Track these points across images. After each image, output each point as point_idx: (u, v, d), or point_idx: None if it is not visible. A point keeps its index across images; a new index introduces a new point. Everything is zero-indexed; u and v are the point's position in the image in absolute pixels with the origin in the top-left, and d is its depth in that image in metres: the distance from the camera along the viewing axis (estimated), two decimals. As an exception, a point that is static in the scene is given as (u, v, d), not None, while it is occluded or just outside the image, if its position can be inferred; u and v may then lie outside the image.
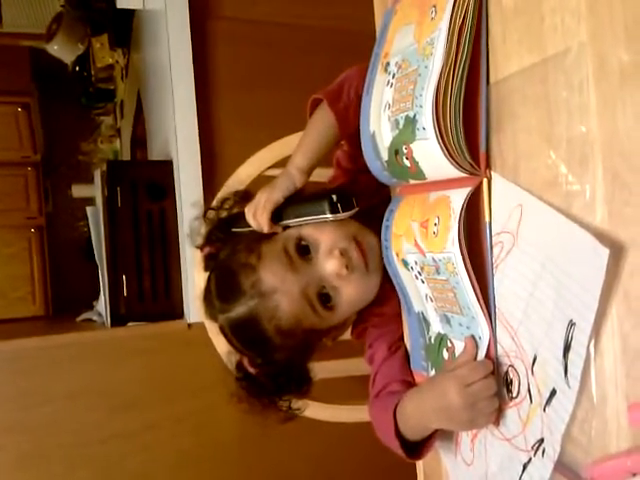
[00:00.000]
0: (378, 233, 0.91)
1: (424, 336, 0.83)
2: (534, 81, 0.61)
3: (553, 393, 0.59)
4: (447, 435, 0.82)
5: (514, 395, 0.66)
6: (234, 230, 1.03)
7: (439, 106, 0.65)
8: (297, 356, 1.01)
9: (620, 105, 0.51)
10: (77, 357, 1.73)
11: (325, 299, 0.93)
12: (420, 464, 0.94)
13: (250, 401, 1.00)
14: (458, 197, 0.68)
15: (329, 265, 0.92)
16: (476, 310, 0.68)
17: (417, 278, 0.79)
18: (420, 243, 0.74)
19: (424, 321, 0.82)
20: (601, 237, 0.52)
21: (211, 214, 1.08)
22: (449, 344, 0.76)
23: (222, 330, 0.98)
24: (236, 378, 1.02)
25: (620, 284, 0.52)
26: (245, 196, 1.05)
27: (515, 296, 0.65)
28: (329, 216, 0.92)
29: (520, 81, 0.63)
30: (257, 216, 0.95)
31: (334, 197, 0.92)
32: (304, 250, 0.94)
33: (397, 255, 0.82)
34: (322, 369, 1.34)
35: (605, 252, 0.51)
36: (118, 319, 1.76)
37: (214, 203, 1.10)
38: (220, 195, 1.12)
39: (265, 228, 0.95)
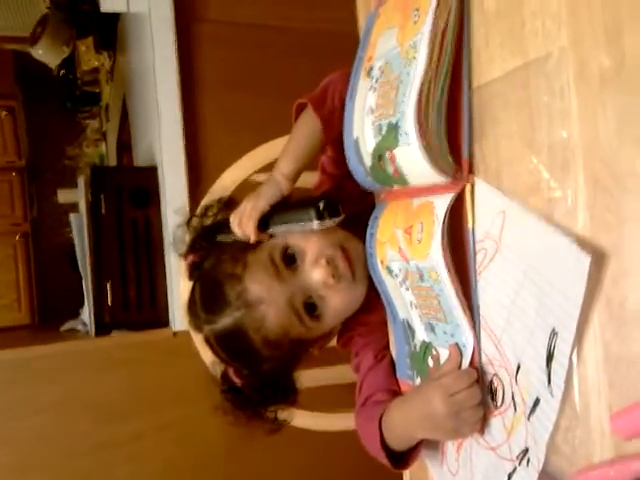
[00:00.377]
0: (364, 240, 0.90)
1: (409, 344, 0.82)
2: (516, 86, 0.61)
3: (537, 402, 0.59)
4: (433, 445, 0.81)
5: (498, 404, 0.65)
6: (218, 239, 1.01)
7: (421, 112, 0.64)
8: (284, 366, 1.00)
9: (601, 110, 0.51)
10: (61, 368, 1.71)
11: (312, 309, 0.92)
12: (407, 474, 0.93)
13: (235, 413, 0.99)
14: (441, 203, 0.68)
15: (316, 274, 0.91)
16: (460, 318, 0.68)
17: (401, 285, 0.78)
18: (404, 250, 0.74)
19: (409, 329, 0.81)
20: (583, 243, 0.52)
21: (195, 221, 1.06)
22: (434, 352, 0.76)
23: (207, 341, 0.96)
24: (221, 390, 1.00)
25: (602, 291, 0.52)
26: (229, 203, 1.04)
27: (498, 304, 0.64)
28: (315, 224, 0.90)
29: (502, 86, 0.63)
30: (242, 225, 0.93)
31: (321, 205, 0.91)
32: (290, 259, 0.93)
33: (382, 262, 0.82)
34: (308, 377, 1.33)
35: (587, 259, 0.50)
36: (102, 328, 1.75)
37: (198, 211, 1.08)
38: (204, 202, 1.10)
39: (251, 237, 0.93)
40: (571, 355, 0.54)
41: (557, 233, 0.54)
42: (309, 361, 1.06)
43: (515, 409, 0.62)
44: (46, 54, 3.06)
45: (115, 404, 1.73)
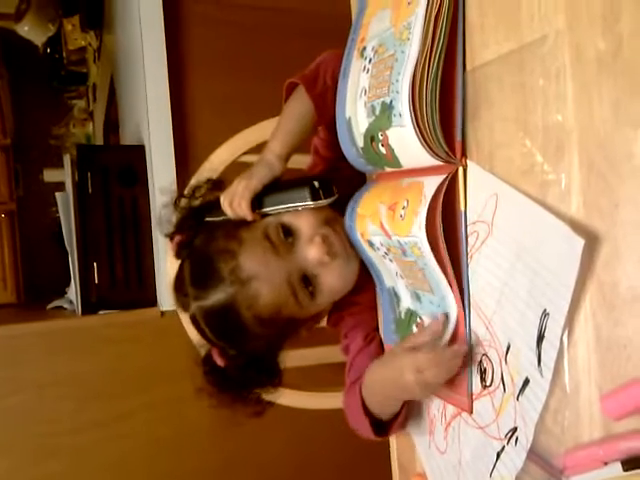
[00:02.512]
0: None
1: (395, 311, 0.83)
2: (511, 69, 0.61)
3: (526, 382, 0.59)
4: (420, 424, 0.82)
5: (488, 384, 0.66)
6: (207, 219, 1.00)
7: (415, 92, 0.64)
8: (271, 346, 1.00)
9: (596, 94, 0.51)
10: (48, 346, 1.70)
11: (306, 286, 0.92)
12: (394, 452, 0.94)
13: (218, 396, 0.98)
14: (432, 183, 0.68)
15: (311, 252, 0.91)
16: (446, 291, 0.68)
17: (385, 257, 0.79)
18: (386, 225, 0.74)
19: (395, 296, 0.82)
20: (576, 227, 0.52)
21: (182, 202, 1.05)
22: (418, 320, 0.76)
23: (194, 320, 0.96)
24: (203, 372, 1.00)
25: (594, 274, 0.52)
26: (218, 184, 1.04)
27: (489, 285, 0.64)
28: (310, 203, 0.91)
29: (497, 68, 0.63)
30: (234, 205, 0.93)
31: (316, 184, 0.91)
32: (285, 237, 0.93)
33: (362, 236, 0.82)
34: (298, 357, 1.34)
35: (580, 242, 0.51)
36: (89, 307, 1.74)
37: (186, 191, 1.07)
38: (192, 183, 1.09)
39: (246, 216, 0.93)
40: (562, 336, 0.54)
41: (550, 216, 0.54)
42: (300, 341, 1.06)
43: (504, 389, 0.62)
44: (31, 31, 3.02)
45: (102, 383, 1.72)
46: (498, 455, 0.64)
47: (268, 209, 0.94)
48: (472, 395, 0.69)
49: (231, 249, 0.91)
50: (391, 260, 0.77)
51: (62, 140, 3.50)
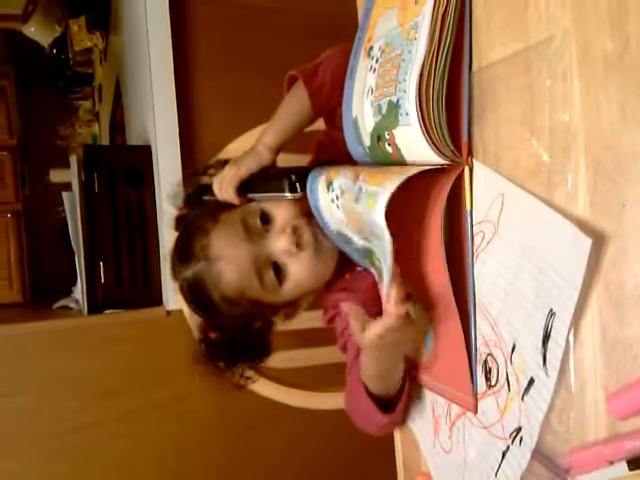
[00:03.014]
0: None
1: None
2: (517, 69, 0.61)
3: (531, 382, 0.59)
4: (425, 423, 0.82)
5: (493, 383, 0.66)
6: (204, 198, 1.05)
7: (422, 91, 0.64)
8: (247, 326, 1.03)
9: (603, 94, 0.51)
10: (54, 345, 1.71)
11: (276, 273, 0.95)
12: (399, 452, 0.94)
13: (207, 364, 1.03)
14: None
15: (279, 241, 0.94)
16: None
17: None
18: (360, 175, 0.74)
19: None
20: (583, 227, 0.52)
21: (192, 180, 1.11)
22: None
23: (181, 290, 1.01)
24: (199, 340, 1.05)
25: (601, 274, 0.52)
26: (223, 165, 1.07)
27: (495, 285, 0.64)
28: (287, 194, 0.94)
29: (503, 69, 0.63)
30: (222, 189, 0.97)
31: (293, 177, 0.94)
32: (262, 224, 0.96)
33: (325, 178, 0.83)
34: (302, 357, 1.35)
35: (587, 242, 0.51)
36: (95, 306, 1.74)
37: (199, 169, 1.12)
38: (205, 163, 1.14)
39: (232, 200, 0.97)
40: (568, 336, 0.54)
41: (557, 215, 0.54)
42: (303, 341, 1.07)
43: (509, 389, 0.62)
44: (38, 32, 3.04)
45: (107, 382, 1.73)
46: (503, 455, 0.64)
47: (252, 196, 0.98)
48: (477, 395, 0.69)
49: (206, 228, 0.96)
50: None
51: (68, 141, 3.52)
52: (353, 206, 0.73)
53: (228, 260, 0.92)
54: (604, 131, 0.51)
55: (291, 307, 1.03)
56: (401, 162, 0.73)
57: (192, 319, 1.07)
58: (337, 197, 0.78)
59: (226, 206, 0.98)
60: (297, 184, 0.93)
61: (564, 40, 0.55)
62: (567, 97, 0.55)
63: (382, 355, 0.78)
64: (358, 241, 0.79)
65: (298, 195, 0.93)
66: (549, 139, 0.57)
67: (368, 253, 0.77)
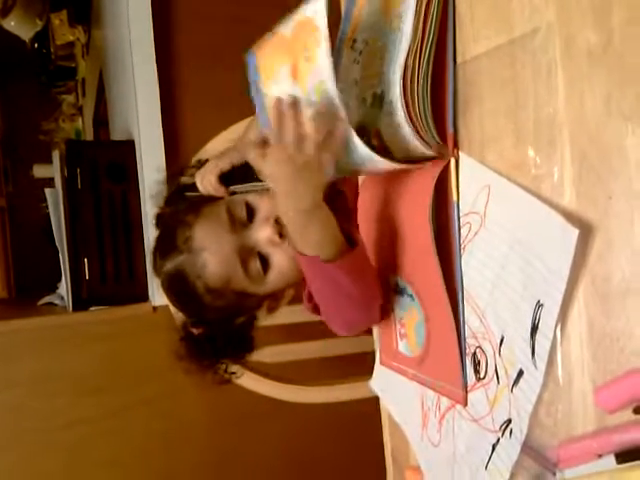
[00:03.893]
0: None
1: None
2: (501, 62, 0.61)
3: (520, 374, 0.59)
4: (413, 417, 0.82)
5: (482, 376, 0.66)
6: (187, 195, 1.05)
7: (407, 82, 0.64)
8: (230, 319, 1.04)
9: (588, 87, 0.51)
10: (38, 342, 1.70)
11: (261, 263, 0.95)
12: (388, 446, 0.95)
13: (189, 361, 1.04)
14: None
15: (263, 231, 0.95)
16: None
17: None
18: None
19: None
20: (569, 219, 0.52)
21: (173, 179, 1.12)
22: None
23: (162, 285, 1.02)
24: (179, 338, 1.06)
25: (587, 267, 0.52)
26: (203, 164, 1.08)
27: (482, 277, 0.65)
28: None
29: (487, 62, 0.63)
30: (204, 180, 0.97)
31: None
32: (247, 215, 0.97)
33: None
34: (292, 351, 1.35)
35: (574, 232, 0.51)
36: (80, 303, 1.73)
37: (177, 170, 1.13)
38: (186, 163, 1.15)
39: (213, 191, 0.96)
40: (556, 327, 0.54)
41: (544, 206, 0.54)
42: (294, 335, 1.07)
43: (498, 381, 0.63)
44: (18, 26, 3.00)
45: (94, 379, 1.72)
46: (493, 447, 0.64)
47: (235, 187, 0.98)
48: (467, 387, 0.69)
49: (188, 220, 0.97)
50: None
51: (51, 135, 3.48)
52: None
53: (212, 251, 0.93)
54: (589, 124, 0.51)
55: (274, 299, 1.05)
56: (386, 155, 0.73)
57: (178, 315, 1.08)
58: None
59: (209, 200, 0.99)
60: None
61: (548, 33, 0.55)
62: (551, 90, 0.55)
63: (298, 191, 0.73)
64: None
65: None
66: (534, 132, 0.57)
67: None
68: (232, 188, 0.98)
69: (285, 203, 0.74)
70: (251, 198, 0.97)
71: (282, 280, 0.99)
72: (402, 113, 0.64)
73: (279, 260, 0.96)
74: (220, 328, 1.04)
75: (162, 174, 1.14)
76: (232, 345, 1.06)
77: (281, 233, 0.93)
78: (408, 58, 0.64)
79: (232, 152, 0.99)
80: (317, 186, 0.73)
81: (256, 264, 0.95)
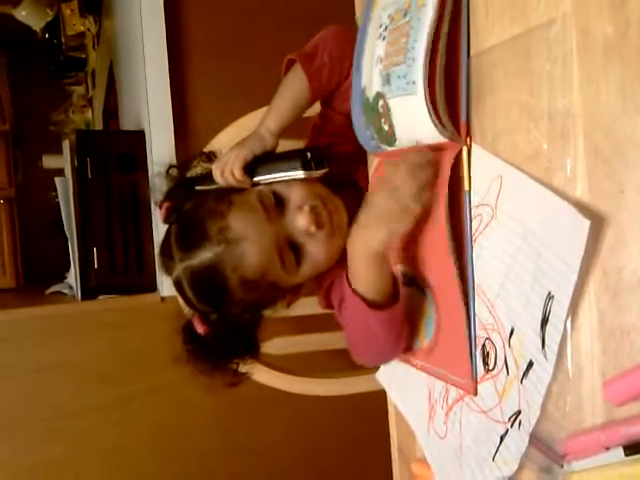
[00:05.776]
0: (346, 199, 0.96)
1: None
2: (516, 53, 0.60)
3: (530, 365, 0.59)
4: (419, 410, 0.82)
5: (491, 367, 0.66)
6: (198, 188, 1.03)
7: (430, 62, 0.63)
8: (252, 313, 1.01)
9: (603, 79, 0.51)
10: (47, 330, 1.70)
11: (293, 253, 0.94)
12: (394, 439, 0.95)
13: (195, 364, 1.00)
14: None
15: (299, 220, 0.93)
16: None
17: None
18: None
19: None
20: (581, 211, 0.52)
21: (173, 171, 1.09)
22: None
23: (178, 284, 0.96)
24: (183, 341, 1.02)
25: (598, 260, 0.52)
26: (210, 157, 1.07)
27: (493, 269, 0.64)
28: (301, 172, 0.94)
29: (502, 53, 0.63)
30: (226, 173, 0.96)
31: (308, 154, 0.94)
32: (276, 204, 0.95)
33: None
34: (299, 343, 1.35)
35: (586, 223, 0.50)
36: (89, 292, 1.73)
37: (179, 163, 1.11)
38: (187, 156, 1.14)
39: (238, 183, 0.95)
40: (566, 319, 0.54)
41: (556, 197, 0.54)
42: (301, 326, 1.07)
43: (508, 373, 0.62)
44: (29, 16, 3.00)
45: (101, 368, 1.73)
46: (501, 439, 0.64)
47: (259, 178, 0.96)
48: (476, 377, 0.69)
49: (220, 210, 0.93)
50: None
51: (61, 126, 3.48)
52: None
53: (252, 241, 0.90)
54: (603, 116, 0.51)
55: (295, 292, 1.04)
56: (392, 141, 0.72)
57: (188, 312, 1.03)
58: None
59: (233, 189, 0.97)
60: (312, 162, 0.94)
61: (564, 24, 0.54)
62: (566, 82, 0.54)
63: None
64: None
65: (314, 174, 0.94)
66: (548, 124, 0.57)
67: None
68: (256, 179, 0.96)
69: (363, 234, 0.75)
70: (279, 187, 0.96)
71: (314, 270, 0.98)
72: (422, 93, 0.63)
73: (314, 250, 0.95)
74: (230, 326, 1.00)
75: (161, 168, 1.10)
76: (241, 343, 1.03)
77: (317, 223, 0.93)
78: (431, 37, 0.63)
79: (252, 142, 0.98)
80: (395, 237, 0.74)
81: (290, 254, 0.94)
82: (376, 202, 0.72)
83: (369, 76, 0.74)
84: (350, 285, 0.78)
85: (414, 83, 0.64)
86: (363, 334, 0.82)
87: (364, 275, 0.76)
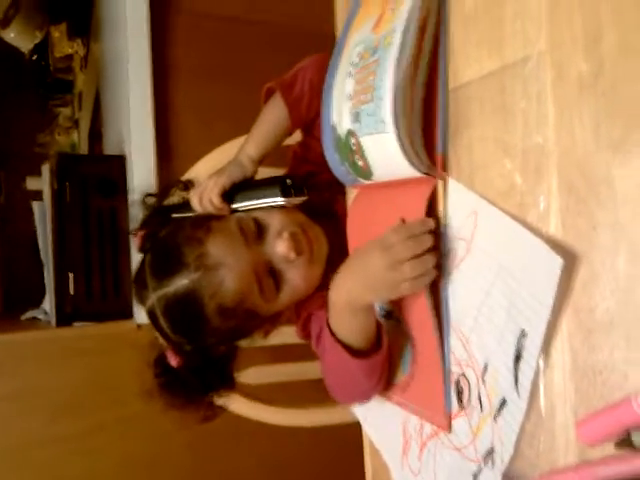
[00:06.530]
0: (324, 228, 0.96)
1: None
2: (492, 89, 0.61)
3: (503, 403, 0.58)
4: (394, 444, 0.81)
5: (465, 404, 0.65)
6: (174, 216, 1.02)
7: (398, 100, 0.63)
8: (228, 343, 0.99)
9: (577, 116, 0.51)
10: (19, 357, 1.66)
11: (271, 280, 0.93)
12: (369, 472, 0.93)
13: (167, 398, 0.97)
14: None
15: (279, 246, 0.92)
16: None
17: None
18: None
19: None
20: (554, 249, 0.52)
21: (150, 200, 1.07)
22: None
23: (151, 314, 0.94)
24: (154, 374, 0.99)
25: (571, 298, 0.52)
26: (187, 186, 1.06)
27: (467, 304, 0.64)
28: (281, 199, 0.93)
29: (478, 88, 0.63)
30: (204, 200, 0.95)
31: (288, 181, 0.94)
32: (255, 231, 0.94)
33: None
34: (274, 372, 1.33)
35: (559, 261, 0.50)
36: (64, 318, 1.70)
37: (156, 191, 1.10)
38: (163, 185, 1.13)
39: (216, 210, 0.94)
40: (539, 356, 0.54)
41: (530, 234, 0.54)
42: (279, 355, 1.05)
43: (481, 409, 0.62)
44: (18, 38, 3.00)
45: (74, 396, 1.68)
46: (475, 477, 0.63)
47: (238, 205, 0.96)
48: (450, 414, 0.68)
49: (198, 236, 0.91)
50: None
51: (46, 148, 3.47)
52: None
53: (231, 267, 0.89)
54: (577, 153, 0.51)
55: (273, 322, 1.02)
56: (368, 173, 0.72)
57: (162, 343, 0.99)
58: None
59: (211, 216, 0.96)
60: (292, 189, 0.93)
61: (539, 61, 0.55)
62: (541, 118, 0.54)
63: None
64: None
65: (293, 201, 0.94)
66: (522, 160, 0.57)
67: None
68: (235, 206, 0.96)
69: (350, 286, 0.72)
70: (259, 214, 0.95)
71: (293, 297, 0.97)
72: (393, 130, 0.63)
73: (293, 277, 0.94)
74: (204, 358, 0.98)
75: (139, 195, 1.08)
76: (215, 376, 1.01)
77: (297, 249, 0.92)
78: (398, 73, 0.63)
79: (231, 168, 0.97)
80: (383, 298, 0.73)
81: (270, 281, 0.92)
82: (372, 263, 0.68)
83: (339, 114, 0.74)
84: (332, 332, 0.76)
85: (383, 122, 0.64)
86: (344, 380, 0.81)
87: (347, 324, 0.74)
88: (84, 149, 3.14)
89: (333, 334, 0.75)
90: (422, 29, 0.65)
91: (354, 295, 0.72)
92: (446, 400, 0.68)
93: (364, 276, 0.70)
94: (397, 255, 0.66)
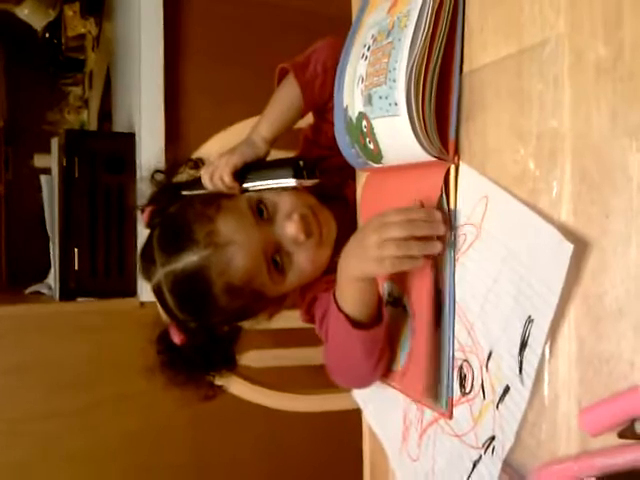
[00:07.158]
0: (334, 212, 0.96)
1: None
2: (508, 73, 0.60)
3: (506, 390, 0.58)
4: (392, 430, 0.80)
5: (467, 391, 0.64)
6: (184, 193, 1.01)
7: (412, 82, 0.62)
8: (233, 323, 1.00)
9: (594, 102, 0.50)
10: (21, 330, 1.66)
11: (280, 261, 0.93)
12: (367, 457, 0.93)
13: (169, 376, 0.97)
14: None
15: (288, 228, 0.92)
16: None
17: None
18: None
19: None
20: (565, 235, 0.51)
21: (159, 176, 1.07)
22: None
23: (158, 289, 0.94)
24: (157, 351, 0.99)
25: (580, 286, 0.51)
26: (198, 164, 1.06)
27: (474, 290, 0.63)
28: (293, 181, 0.93)
29: (494, 72, 0.62)
30: (215, 178, 0.95)
31: (301, 163, 0.94)
32: (266, 211, 0.94)
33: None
34: (276, 357, 1.33)
35: (569, 247, 0.49)
36: (67, 293, 1.70)
37: (165, 168, 1.09)
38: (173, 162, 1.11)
39: (227, 188, 0.94)
40: (545, 344, 0.53)
41: (540, 220, 0.53)
42: (281, 341, 1.05)
43: (484, 397, 0.61)
44: (31, 15, 3.00)
45: (75, 371, 1.69)
46: (474, 464, 0.62)
47: (249, 185, 0.95)
48: (452, 400, 0.67)
49: (209, 214, 0.91)
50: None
51: (56, 126, 3.47)
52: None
53: (240, 245, 0.89)
54: (592, 139, 0.50)
55: (278, 304, 1.02)
56: (379, 158, 0.71)
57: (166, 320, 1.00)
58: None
59: (221, 194, 0.95)
60: (304, 171, 0.93)
61: (557, 44, 0.54)
62: (557, 103, 0.54)
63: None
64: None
65: (305, 182, 0.93)
66: (536, 145, 0.56)
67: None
68: (246, 185, 0.95)
69: (351, 260, 0.72)
70: (269, 195, 0.95)
71: (299, 281, 0.97)
72: (405, 114, 0.62)
73: (302, 259, 0.94)
74: (208, 336, 0.98)
75: (148, 172, 1.08)
76: (218, 356, 1.01)
77: (306, 231, 0.92)
78: (412, 57, 0.62)
79: (244, 148, 0.97)
80: (373, 272, 0.71)
81: (279, 262, 0.93)
82: (366, 236, 0.69)
83: (350, 96, 0.73)
84: (337, 303, 0.76)
85: (396, 105, 0.63)
86: (343, 353, 0.81)
87: (350, 296, 0.75)
88: (93, 128, 3.14)
89: (337, 305, 0.76)
90: (438, 12, 0.64)
91: (351, 266, 0.72)
92: (448, 386, 0.67)
93: (359, 247, 0.70)
94: (387, 233, 0.66)
